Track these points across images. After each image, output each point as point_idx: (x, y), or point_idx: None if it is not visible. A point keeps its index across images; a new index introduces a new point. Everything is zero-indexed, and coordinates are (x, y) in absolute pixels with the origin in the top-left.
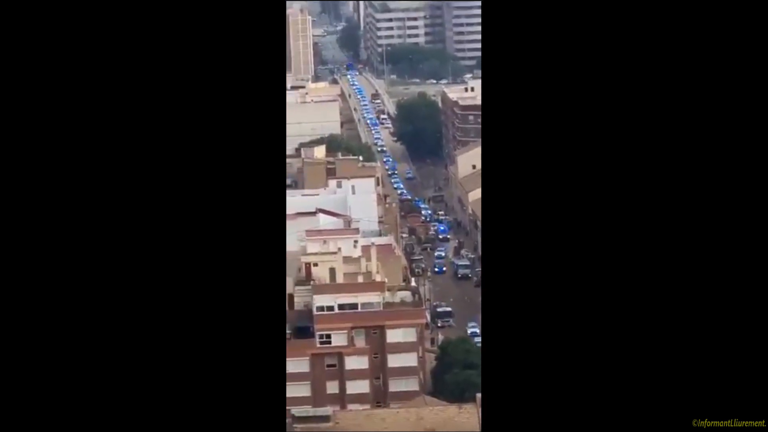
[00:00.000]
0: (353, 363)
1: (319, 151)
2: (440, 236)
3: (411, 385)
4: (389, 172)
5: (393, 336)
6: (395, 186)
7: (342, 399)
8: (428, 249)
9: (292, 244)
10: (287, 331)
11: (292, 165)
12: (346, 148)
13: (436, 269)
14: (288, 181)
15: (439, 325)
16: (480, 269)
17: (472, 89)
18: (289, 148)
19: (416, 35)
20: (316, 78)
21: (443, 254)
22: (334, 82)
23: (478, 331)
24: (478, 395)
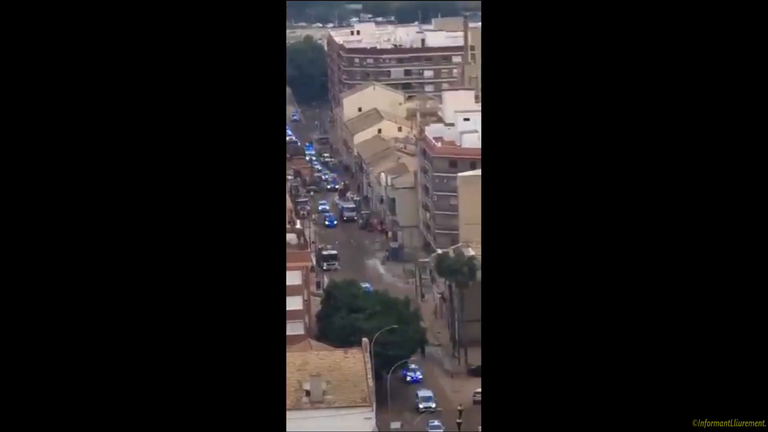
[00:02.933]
0: None
1: None
2: (328, 187)
3: (296, 329)
4: None
5: None
6: None
7: None
8: (312, 192)
9: None
10: None
11: None
12: None
13: (326, 222)
14: None
15: (324, 268)
16: (365, 212)
17: (358, 32)
18: None
19: None
20: None
21: (327, 207)
22: None
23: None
24: (365, 339)
